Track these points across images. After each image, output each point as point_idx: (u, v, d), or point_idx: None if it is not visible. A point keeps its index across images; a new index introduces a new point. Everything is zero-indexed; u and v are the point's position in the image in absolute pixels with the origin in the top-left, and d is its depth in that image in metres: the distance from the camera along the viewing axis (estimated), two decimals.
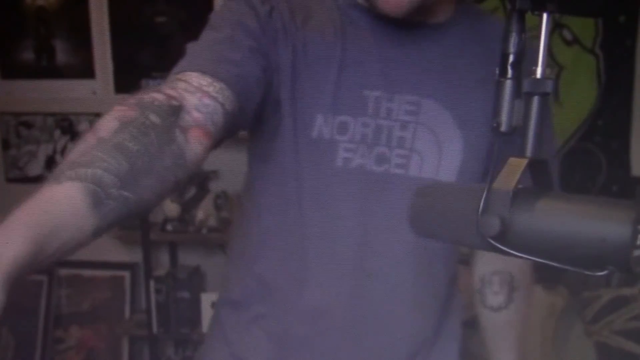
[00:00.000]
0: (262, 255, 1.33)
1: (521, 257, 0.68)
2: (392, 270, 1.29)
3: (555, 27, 2.93)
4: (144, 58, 3.24)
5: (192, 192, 3.22)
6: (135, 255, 3.42)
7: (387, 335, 1.34)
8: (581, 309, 2.99)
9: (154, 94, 0.95)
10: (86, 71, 3.38)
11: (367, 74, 1.20)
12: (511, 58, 0.72)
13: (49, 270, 3.50)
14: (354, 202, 1.23)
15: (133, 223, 3.31)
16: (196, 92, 1.00)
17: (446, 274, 1.38)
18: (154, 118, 0.91)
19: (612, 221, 0.63)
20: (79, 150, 0.84)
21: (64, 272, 3.53)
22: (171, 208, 3.17)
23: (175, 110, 0.95)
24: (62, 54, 3.43)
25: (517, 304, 1.45)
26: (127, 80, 3.21)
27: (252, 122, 1.18)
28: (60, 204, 0.77)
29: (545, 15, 0.70)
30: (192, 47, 1.13)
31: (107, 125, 0.88)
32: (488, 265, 1.45)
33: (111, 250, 3.47)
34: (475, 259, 1.48)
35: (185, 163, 0.94)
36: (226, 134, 1.06)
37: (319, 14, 1.21)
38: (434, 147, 1.23)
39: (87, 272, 3.52)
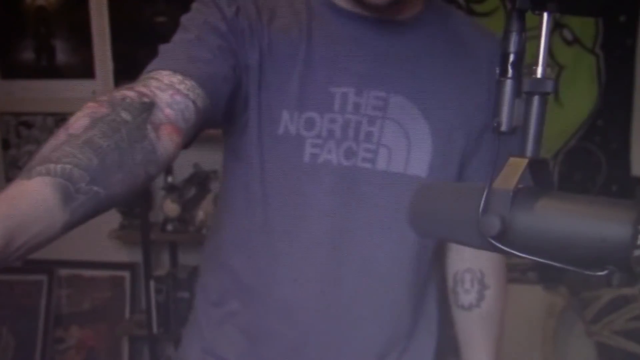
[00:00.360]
0: (234, 253, 1.34)
1: (522, 257, 0.68)
2: (362, 266, 1.29)
3: (555, 27, 2.93)
4: (144, 58, 3.23)
5: (192, 192, 3.22)
6: (135, 255, 3.42)
7: (358, 331, 1.33)
8: (581, 309, 2.99)
9: (126, 92, 0.97)
10: (86, 71, 3.38)
11: (334, 71, 1.22)
12: (511, 57, 0.72)
13: (49, 270, 3.50)
14: (323, 198, 1.25)
15: (133, 223, 3.32)
16: (168, 89, 1.02)
17: (420, 270, 1.36)
18: (125, 115, 0.92)
19: (612, 221, 0.63)
20: (49, 146, 0.85)
21: (64, 272, 3.54)
22: (171, 208, 3.17)
23: (147, 107, 0.96)
24: (62, 54, 3.43)
25: (488, 302, 1.43)
26: (127, 80, 3.17)
27: (222, 119, 1.20)
28: (30, 199, 0.76)
29: (545, 15, 0.70)
30: (163, 48, 1.16)
31: (78, 122, 0.90)
32: (460, 263, 1.44)
33: (111, 250, 3.47)
34: (448, 256, 1.46)
35: (157, 159, 0.95)
36: (198, 130, 1.08)
37: (285, 13, 1.24)
38: (402, 141, 1.24)
39: (88, 272, 3.53)
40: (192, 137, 1.08)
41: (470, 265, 1.43)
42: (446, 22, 1.31)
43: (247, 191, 1.28)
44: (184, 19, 1.23)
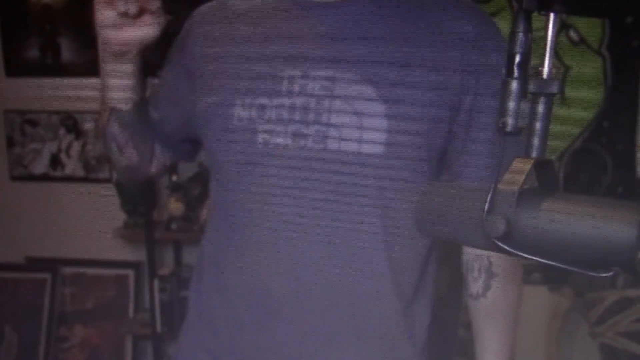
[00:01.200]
0: (210, 243, 1.41)
1: (526, 258, 0.68)
2: (331, 248, 1.27)
3: (561, 28, 2.92)
4: (150, 56, 3.24)
5: (197, 191, 3.22)
6: (139, 254, 3.42)
7: (333, 314, 1.31)
8: (586, 310, 2.99)
9: None
10: (91, 69, 3.37)
11: (279, 56, 1.26)
12: (517, 58, 0.71)
13: (53, 269, 3.51)
14: (279, 182, 1.26)
15: (137, 221, 3.32)
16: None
17: (394, 257, 1.31)
18: None
19: (617, 222, 0.62)
20: None
21: (68, 270, 3.54)
22: (175, 207, 3.17)
23: None
24: (67, 51, 3.43)
25: (495, 291, 1.37)
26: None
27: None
28: None
29: (552, 16, 0.69)
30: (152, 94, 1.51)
31: None
32: (470, 249, 1.40)
33: (115, 249, 3.47)
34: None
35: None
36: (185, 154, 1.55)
37: (231, 15, 1.35)
38: (353, 121, 1.22)
39: (91, 271, 3.53)
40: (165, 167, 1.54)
41: (478, 252, 1.37)
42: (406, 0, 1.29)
43: (216, 183, 1.36)
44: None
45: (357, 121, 1.21)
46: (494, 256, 1.37)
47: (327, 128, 1.22)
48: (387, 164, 1.23)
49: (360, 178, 1.23)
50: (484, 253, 1.37)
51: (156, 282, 3.18)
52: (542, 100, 0.70)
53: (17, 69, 3.49)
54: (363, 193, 1.25)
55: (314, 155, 1.23)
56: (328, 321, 1.31)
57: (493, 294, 1.38)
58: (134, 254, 3.50)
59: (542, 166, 0.70)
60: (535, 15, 0.71)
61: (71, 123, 3.48)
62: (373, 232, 1.28)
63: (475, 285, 1.39)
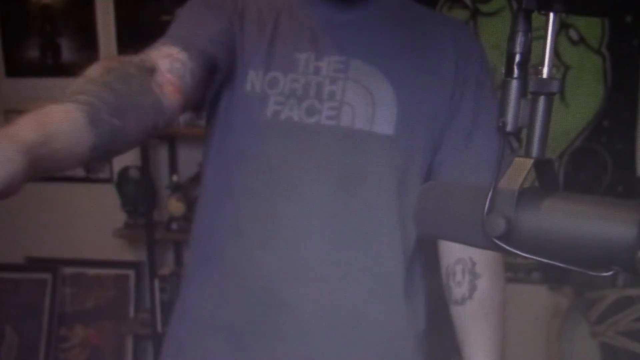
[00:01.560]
0: (204, 217, 1.42)
1: (527, 258, 0.68)
2: (330, 221, 1.31)
3: (561, 27, 2.92)
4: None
5: (197, 191, 3.22)
6: (139, 254, 3.43)
7: (320, 290, 1.33)
8: (586, 309, 2.99)
9: (130, 57, 1.13)
10: None
11: (298, 40, 1.34)
12: (517, 58, 0.71)
13: (53, 269, 3.51)
14: (283, 153, 1.31)
15: (138, 221, 3.32)
16: (167, 57, 1.17)
17: (386, 240, 1.35)
18: (133, 70, 1.07)
19: (617, 222, 0.62)
20: (72, 88, 0.96)
21: (68, 270, 3.54)
22: (176, 207, 3.17)
23: (150, 70, 1.11)
24: (67, 52, 3.44)
25: (481, 291, 1.39)
26: None
27: (212, 94, 1.33)
28: (62, 116, 0.87)
29: (551, 15, 0.69)
30: (173, 23, 1.33)
31: (94, 71, 1.02)
32: (450, 255, 1.42)
33: (116, 249, 3.47)
34: (439, 251, 1.44)
35: (163, 109, 1.10)
36: (196, 95, 1.24)
37: (261, 3, 1.38)
38: (366, 99, 1.30)
39: (92, 271, 3.53)
40: (191, 101, 1.23)
41: (460, 255, 1.39)
42: (405, 8, 1.42)
43: (218, 148, 1.37)
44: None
45: (370, 100, 1.29)
46: (477, 257, 1.39)
47: (340, 105, 1.29)
48: (397, 143, 1.30)
49: (373, 154, 1.30)
50: (466, 255, 1.39)
51: (156, 282, 3.18)
52: (542, 100, 0.70)
53: (18, 69, 3.50)
54: (376, 169, 1.31)
55: (326, 130, 1.29)
56: (338, 299, 1.33)
57: (480, 294, 1.39)
58: (134, 254, 3.50)
59: (542, 165, 0.70)
60: (534, 14, 0.71)
61: None
62: (388, 208, 1.33)
63: (459, 290, 1.40)
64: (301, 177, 1.31)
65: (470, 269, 1.39)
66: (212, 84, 1.30)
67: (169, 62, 1.16)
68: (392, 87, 1.31)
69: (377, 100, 1.30)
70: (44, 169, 0.81)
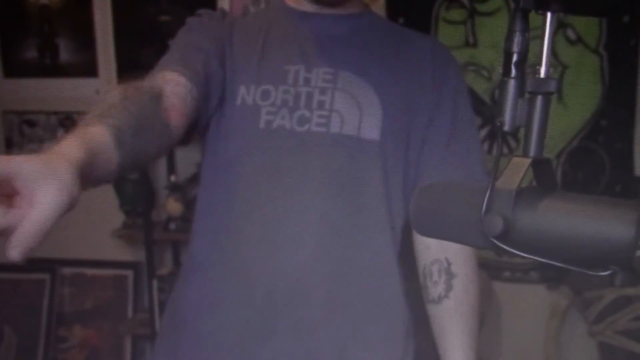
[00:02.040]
0: (205, 219, 1.47)
1: (525, 257, 0.68)
2: (321, 223, 1.36)
3: (558, 27, 2.92)
4: (147, 57, 3.25)
5: (195, 191, 3.22)
6: (138, 254, 3.42)
7: (320, 291, 1.38)
8: (584, 308, 2.99)
9: (139, 83, 1.22)
10: (89, 70, 3.39)
11: (287, 53, 1.42)
12: (515, 57, 0.71)
13: (52, 269, 3.51)
14: (280, 160, 1.37)
15: (136, 222, 3.32)
16: (170, 82, 1.26)
17: (374, 243, 1.41)
18: (146, 97, 1.17)
19: (615, 221, 0.63)
20: (96, 112, 1.06)
21: (67, 271, 3.54)
22: (174, 207, 3.17)
23: (158, 96, 1.20)
24: (65, 52, 3.43)
25: (457, 290, 1.43)
26: (130, 79, 3.21)
27: (211, 112, 1.42)
28: (96, 135, 0.96)
29: (549, 15, 0.69)
30: (170, 48, 1.42)
31: (113, 97, 1.12)
32: (426, 255, 1.46)
33: (114, 249, 3.47)
34: (416, 251, 1.49)
35: (171, 132, 1.20)
36: (197, 117, 1.34)
37: (250, 23, 1.50)
38: (354, 108, 1.37)
39: (90, 271, 3.53)
40: (194, 121, 1.32)
41: (436, 255, 1.45)
42: (386, 25, 1.57)
43: (213, 160, 1.45)
44: (190, 20, 1.48)
45: (357, 109, 1.37)
46: (453, 257, 1.44)
47: (330, 113, 1.36)
48: (382, 147, 1.38)
49: (361, 158, 1.37)
50: (442, 256, 1.44)
51: (155, 283, 3.18)
52: (539, 99, 0.70)
53: (16, 69, 3.49)
54: (365, 172, 1.38)
55: (317, 137, 1.35)
56: (336, 298, 1.38)
57: (455, 293, 1.43)
58: (132, 254, 3.50)
59: (539, 165, 0.70)
60: (532, 14, 0.71)
61: (69, 123, 3.48)
62: (378, 208, 1.39)
63: (436, 289, 1.44)
64: (294, 180, 1.36)
65: (446, 269, 1.43)
66: (210, 102, 1.38)
67: (173, 87, 1.25)
68: (378, 96, 1.39)
69: (364, 108, 1.37)
70: (86, 185, 0.86)
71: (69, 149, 0.87)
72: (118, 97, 1.11)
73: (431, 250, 1.45)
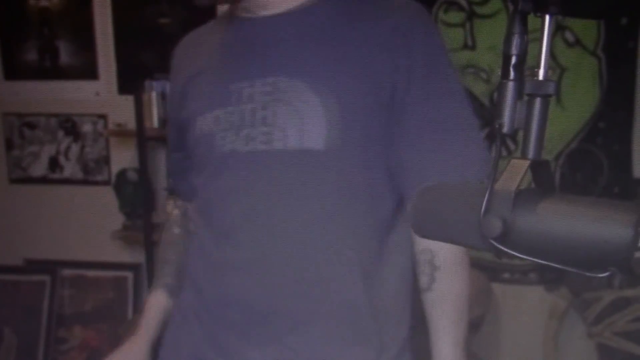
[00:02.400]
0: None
1: (523, 259, 0.68)
2: (285, 244, 1.36)
3: (557, 29, 2.93)
4: (147, 59, 3.25)
5: None
6: (138, 256, 3.43)
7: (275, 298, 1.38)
8: (583, 310, 2.99)
9: (168, 231, 1.70)
10: (89, 72, 3.39)
11: (232, 71, 1.40)
12: (513, 60, 0.72)
13: (52, 271, 3.51)
14: (231, 182, 1.37)
15: (136, 223, 3.32)
16: (179, 208, 1.70)
17: (331, 249, 1.37)
18: (181, 240, 1.65)
19: (614, 223, 0.63)
20: (157, 273, 1.66)
21: (67, 272, 3.54)
22: None
23: (184, 234, 1.66)
24: (65, 54, 3.44)
25: (439, 284, 1.39)
26: (131, 81, 3.22)
27: None
28: (162, 305, 1.59)
29: (547, 17, 0.70)
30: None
31: (163, 252, 1.64)
32: (417, 243, 1.42)
33: (114, 251, 3.47)
34: (412, 238, 1.44)
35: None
36: None
37: (196, 44, 1.52)
38: (295, 119, 1.31)
39: (90, 273, 3.53)
40: None
41: (424, 245, 1.40)
42: (343, 7, 1.38)
43: (195, 190, 1.50)
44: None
45: (299, 119, 1.31)
46: (437, 249, 1.39)
47: (272, 129, 1.32)
48: (327, 156, 1.31)
49: (307, 172, 1.33)
50: (429, 246, 1.39)
51: None
52: (538, 102, 0.70)
53: (16, 72, 3.50)
54: (311, 184, 1.34)
55: (262, 156, 1.33)
56: (295, 303, 1.38)
57: (438, 286, 1.39)
58: (132, 256, 3.50)
59: (538, 167, 0.70)
60: (530, 16, 0.72)
61: (70, 125, 3.48)
62: (331, 220, 1.35)
63: (423, 278, 1.41)
64: (247, 202, 1.36)
65: (430, 260, 1.40)
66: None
67: (183, 213, 1.67)
68: (320, 100, 1.30)
69: (306, 119, 1.31)
70: None
71: (147, 327, 1.55)
72: (166, 252, 1.64)
73: (420, 239, 1.40)
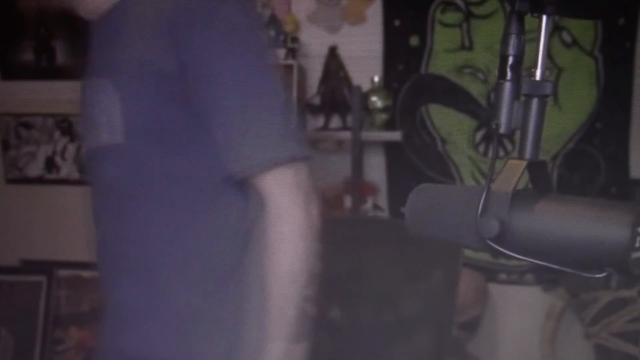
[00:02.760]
0: None
1: (520, 259, 0.68)
2: (115, 240, 1.51)
3: (554, 29, 2.93)
4: None
5: None
6: None
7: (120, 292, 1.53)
8: (580, 310, 2.99)
9: None
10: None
11: (87, 77, 1.50)
12: (510, 60, 0.72)
13: (48, 271, 3.50)
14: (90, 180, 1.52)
15: None
16: None
17: (158, 250, 1.45)
18: None
19: (611, 223, 0.63)
20: None
21: (63, 273, 3.53)
22: None
23: None
24: (62, 55, 3.43)
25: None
26: None
27: None
28: None
29: (544, 18, 0.70)
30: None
31: None
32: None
33: None
34: None
35: None
36: None
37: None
38: (104, 117, 1.40)
39: (87, 273, 3.52)
40: None
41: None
42: (139, 6, 1.39)
43: None
44: None
45: (106, 116, 1.39)
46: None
47: (92, 128, 1.44)
48: (127, 148, 1.39)
49: (109, 165, 1.44)
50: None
51: None
52: (535, 102, 0.70)
53: (12, 72, 3.49)
54: (115, 178, 1.43)
55: (90, 154, 1.49)
56: (115, 293, 1.55)
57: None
58: None
59: (535, 167, 0.70)
60: (528, 17, 0.72)
61: (66, 126, 3.48)
62: (137, 210, 1.44)
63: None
64: (94, 200, 1.52)
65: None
66: None
67: None
68: (119, 96, 1.37)
69: (109, 114, 1.39)
70: None
71: None
72: None
73: None
